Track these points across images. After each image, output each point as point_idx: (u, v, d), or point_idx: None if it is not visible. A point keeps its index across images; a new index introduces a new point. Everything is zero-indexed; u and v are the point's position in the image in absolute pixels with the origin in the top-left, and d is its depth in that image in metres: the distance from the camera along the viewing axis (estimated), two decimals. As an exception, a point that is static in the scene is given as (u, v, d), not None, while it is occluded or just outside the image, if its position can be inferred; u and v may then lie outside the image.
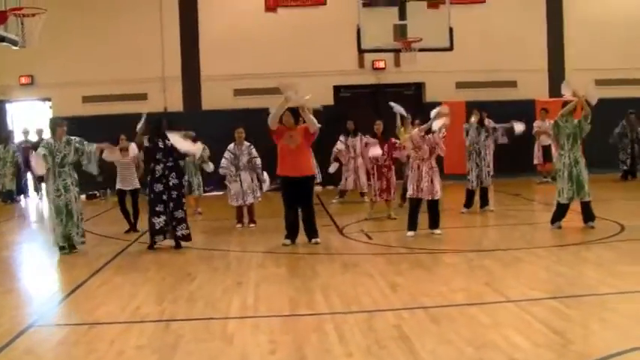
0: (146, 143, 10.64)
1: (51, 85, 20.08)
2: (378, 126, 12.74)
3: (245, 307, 6.91)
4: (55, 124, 10.62)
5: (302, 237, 10.44)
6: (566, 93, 11.14)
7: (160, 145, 10.34)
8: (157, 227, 10.32)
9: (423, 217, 10.73)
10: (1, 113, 20.80)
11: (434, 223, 10.70)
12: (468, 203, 13.01)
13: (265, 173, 12.54)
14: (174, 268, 9.16)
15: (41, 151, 10.23)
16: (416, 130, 10.89)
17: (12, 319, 6.80)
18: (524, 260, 8.78)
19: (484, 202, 13.14)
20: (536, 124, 18.41)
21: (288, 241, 10.31)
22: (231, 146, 12.51)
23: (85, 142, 10.46)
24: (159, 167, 10.31)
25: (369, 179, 13.17)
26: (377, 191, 12.56)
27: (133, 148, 11.91)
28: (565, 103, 11.05)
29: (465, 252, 9.45)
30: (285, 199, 10.40)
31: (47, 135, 16.24)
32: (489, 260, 8.77)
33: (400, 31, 17.01)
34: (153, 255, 10.11)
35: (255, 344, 5.66)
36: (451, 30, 16.80)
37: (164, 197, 10.27)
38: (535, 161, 18.88)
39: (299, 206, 10.35)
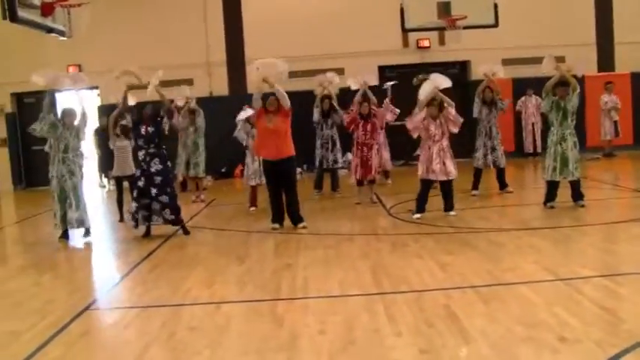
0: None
1: (98, 73, 20.32)
2: (364, 107, 12.60)
3: (294, 289, 6.97)
4: (64, 114, 10.81)
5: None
6: (549, 68, 10.95)
7: (142, 131, 10.37)
8: (130, 212, 10.42)
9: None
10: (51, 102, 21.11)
11: (448, 204, 10.66)
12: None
13: None
14: (223, 251, 9.26)
15: (47, 116, 10.60)
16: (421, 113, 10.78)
17: (67, 303, 6.97)
18: (572, 238, 8.70)
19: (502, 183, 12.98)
20: (605, 98, 18.08)
21: (276, 225, 10.33)
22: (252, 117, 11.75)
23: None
24: (140, 153, 10.38)
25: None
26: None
27: None
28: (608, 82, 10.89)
29: (513, 230, 9.37)
30: (267, 181, 10.45)
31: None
32: (537, 238, 8.70)
33: (444, 9, 16.81)
34: (200, 240, 10.25)
35: (304, 325, 5.71)
36: (496, 6, 16.60)
37: (139, 183, 10.29)
38: (607, 137, 18.59)
39: (282, 189, 10.31)
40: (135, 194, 10.36)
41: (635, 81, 19.72)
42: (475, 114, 12.89)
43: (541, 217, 10.47)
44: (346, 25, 19.97)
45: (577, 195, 10.67)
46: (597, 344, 4.79)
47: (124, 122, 11.90)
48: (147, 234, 10.52)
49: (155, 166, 10.32)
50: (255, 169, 12.15)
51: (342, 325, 5.58)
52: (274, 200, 10.36)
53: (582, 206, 10.52)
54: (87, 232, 10.80)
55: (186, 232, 10.52)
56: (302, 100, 14.80)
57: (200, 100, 17.25)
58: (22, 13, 10.46)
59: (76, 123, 10.65)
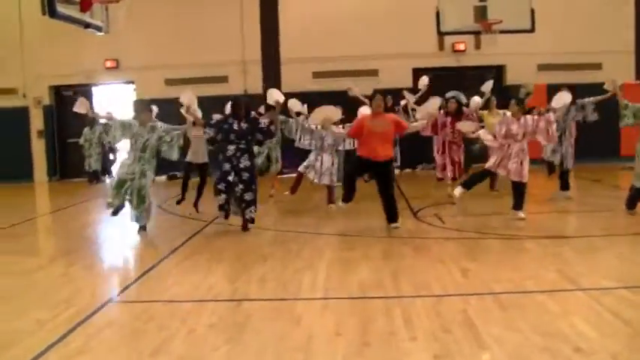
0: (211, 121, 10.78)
1: (135, 69, 20.63)
2: (452, 104, 12.91)
3: (315, 289, 7.03)
4: (140, 108, 10.85)
5: (376, 221, 10.50)
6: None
7: (235, 126, 10.47)
8: (219, 204, 10.51)
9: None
10: (88, 96, 21.43)
11: (519, 204, 10.61)
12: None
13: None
14: (248, 248, 9.36)
15: (114, 123, 10.64)
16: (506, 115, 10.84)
17: (92, 295, 7.11)
18: (599, 248, 8.63)
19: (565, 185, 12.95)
20: None
21: (343, 205, 10.57)
22: (319, 127, 12.47)
23: (172, 129, 10.69)
24: (231, 147, 10.41)
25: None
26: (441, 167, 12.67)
27: None
28: None
29: (539, 238, 9.33)
30: (355, 170, 10.61)
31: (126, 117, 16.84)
32: (563, 247, 8.66)
33: (480, 13, 16.76)
34: (228, 236, 10.33)
35: (321, 325, 5.76)
36: (532, 11, 16.50)
37: (229, 178, 10.38)
38: None
39: (380, 190, 10.38)
40: (222, 187, 10.44)
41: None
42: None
43: (569, 226, 10.42)
44: (381, 26, 20.00)
45: None
46: (613, 357, 4.78)
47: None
48: (226, 217, 10.66)
49: (244, 162, 10.43)
50: (315, 164, 12.54)
51: (358, 327, 5.62)
52: (349, 181, 10.55)
53: None
54: (142, 228, 10.86)
55: (246, 228, 10.58)
56: (335, 100, 14.87)
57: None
58: (60, 8, 10.67)
59: (152, 123, 10.71)
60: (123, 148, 20.78)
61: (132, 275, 8.27)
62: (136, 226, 10.76)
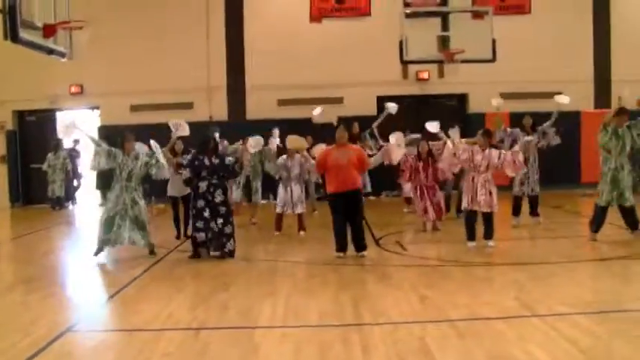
0: (180, 160, 10.82)
1: (99, 94, 20.58)
2: (423, 146, 12.87)
3: (274, 317, 7.04)
4: (123, 137, 10.88)
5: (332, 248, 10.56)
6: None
7: (206, 162, 10.48)
8: (199, 241, 10.49)
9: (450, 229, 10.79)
10: (51, 121, 21.31)
11: (489, 234, 10.72)
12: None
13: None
14: (210, 277, 9.32)
15: (98, 149, 10.70)
16: (461, 144, 10.95)
17: (50, 323, 7.04)
18: (557, 274, 8.76)
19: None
20: None
21: (341, 254, 10.36)
22: (283, 158, 12.84)
23: (154, 154, 10.79)
24: (202, 184, 10.43)
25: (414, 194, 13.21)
26: (423, 211, 12.70)
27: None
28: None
29: (498, 265, 9.47)
30: (334, 212, 10.46)
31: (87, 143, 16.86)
32: (521, 274, 8.77)
33: (443, 43, 17.03)
34: (190, 264, 10.29)
35: (279, 353, 5.79)
36: (494, 41, 16.77)
37: (205, 214, 10.41)
38: None
39: (349, 219, 10.39)
40: (200, 224, 10.44)
41: (633, 118, 19.80)
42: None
43: (528, 253, 10.56)
44: (346, 55, 20.19)
45: (632, 223, 10.75)
46: (565, 383, 4.86)
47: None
48: (193, 256, 10.59)
49: (218, 197, 10.46)
50: (286, 198, 12.70)
51: (315, 356, 5.66)
52: (339, 230, 10.42)
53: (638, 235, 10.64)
54: (151, 252, 10.95)
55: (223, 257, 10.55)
56: (300, 128, 14.97)
57: (199, 125, 17.44)
58: (23, 34, 10.61)
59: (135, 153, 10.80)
60: (86, 175, 20.85)
61: (92, 304, 8.20)
62: (140, 249, 10.85)
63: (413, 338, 6.06)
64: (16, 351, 6.01)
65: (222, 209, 10.49)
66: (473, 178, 10.69)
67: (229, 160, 10.67)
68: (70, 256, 11.67)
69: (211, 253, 10.56)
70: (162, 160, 10.81)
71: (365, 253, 10.29)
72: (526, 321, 6.59)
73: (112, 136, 19.43)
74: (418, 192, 12.79)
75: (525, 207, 13.13)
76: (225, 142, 15.27)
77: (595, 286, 8.14)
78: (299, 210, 12.80)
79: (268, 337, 6.34)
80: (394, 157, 11.39)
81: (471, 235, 10.73)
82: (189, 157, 10.75)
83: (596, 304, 7.33)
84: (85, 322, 7.27)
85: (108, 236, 10.60)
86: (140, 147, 11.06)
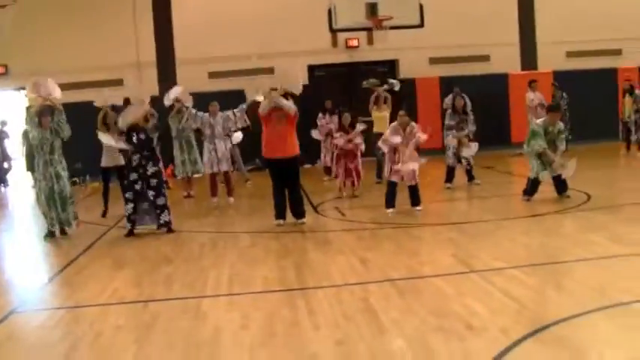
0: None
1: (25, 74, 20.03)
2: (345, 118, 13.10)
3: (219, 286, 7.16)
4: (40, 114, 10.70)
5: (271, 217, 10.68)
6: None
7: (134, 139, 10.47)
8: (126, 214, 10.50)
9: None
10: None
11: (416, 201, 10.89)
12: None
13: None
14: (151, 251, 9.36)
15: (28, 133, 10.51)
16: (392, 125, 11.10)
17: (-8, 306, 7.02)
18: (491, 232, 9.07)
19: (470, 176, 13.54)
20: (530, 95, 18.34)
21: (280, 221, 10.47)
22: (205, 116, 13.00)
23: (62, 121, 10.68)
24: (135, 157, 10.44)
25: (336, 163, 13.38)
26: (343, 177, 12.91)
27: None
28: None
29: (434, 225, 9.75)
30: (273, 179, 10.55)
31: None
32: (457, 233, 9.08)
33: (371, 10, 17.16)
34: (130, 241, 10.27)
35: (227, 320, 5.91)
36: (421, 6, 17.02)
37: (136, 187, 10.40)
38: None
39: (286, 187, 10.50)
40: (130, 196, 10.42)
41: (557, 79, 20.38)
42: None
43: (463, 212, 10.88)
44: (275, 25, 20.16)
45: (562, 188, 11.04)
46: (502, 331, 5.10)
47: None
48: (130, 234, 10.51)
49: (150, 168, 10.43)
50: (212, 158, 12.86)
51: (263, 320, 5.80)
52: (278, 198, 10.50)
53: (568, 197, 10.91)
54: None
55: (170, 231, 10.53)
56: (232, 100, 14.96)
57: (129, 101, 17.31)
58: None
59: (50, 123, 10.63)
60: (17, 157, 20.48)
61: (33, 285, 8.15)
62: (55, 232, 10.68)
63: (356, 299, 6.25)
64: (-40, 335, 5.99)
65: (154, 181, 10.47)
66: (395, 151, 10.86)
67: (152, 134, 10.63)
68: (6, 239, 11.53)
69: (137, 225, 10.57)
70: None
71: (304, 220, 10.44)
72: (464, 277, 6.86)
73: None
74: (336, 159, 13.06)
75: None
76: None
77: (527, 241, 8.45)
78: (224, 167, 12.93)
79: (215, 306, 6.46)
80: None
81: (390, 203, 10.90)
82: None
83: (529, 257, 7.67)
84: (28, 303, 7.25)
85: (55, 214, 10.52)
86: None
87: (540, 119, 11.41)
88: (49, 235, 10.58)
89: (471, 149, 13.10)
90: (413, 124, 10.83)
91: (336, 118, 14.89)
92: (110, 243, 10.28)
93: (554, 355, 4.67)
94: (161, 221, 10.53)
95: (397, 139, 10.66)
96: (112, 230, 11.14)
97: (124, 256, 9.22)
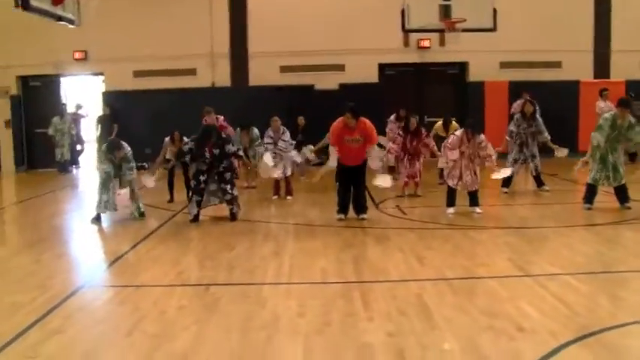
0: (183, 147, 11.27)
1: (103, 60, 20.75)
2: (412, 123, 13.18)
3: (279, 275, 7.42)
4: (111, 148, 11.12)
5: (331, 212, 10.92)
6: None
7: (207, 155, 10.74)
8: (196, 201, 10.84)
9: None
10: (56, 87, 21.56)
11: (474, 201, 11.04)
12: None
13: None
14: (214, 238, 9.69)
15: (107, 168, 11.00)
16: (456, 133, 11.18)
17: (64, 281, 7.43)
18: (549, 238, 9.12)
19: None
20: (600, 104, 18.19)
21: (341, 216, 10.77)
22: (270, 133, 13.29)
23: (130, 169, 11.17)
24: (204, 167, 10.85)
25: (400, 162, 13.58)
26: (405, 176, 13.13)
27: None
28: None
29: (494, 229, 9.82)
30: (340, 179, 10.85)
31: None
32: (516, 237, 9.13)
33: (445, 12, 17.20)
34: (195, 226, 10.62)
35: (286, 307, 6.16)
36: (495, 10, 16.98)
37: (201, 178, 10.76)
38: None
39: (352, 184, 10.77)
40: (196, 186, 10.87)
41: (630, 88, 20.09)
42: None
43: (523, 217, 10.90)
44: (348, 22, 20.33)
45: (624, 198, 11.04)
46: (551, 334, 5.22)
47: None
48: (195, 219, 10.86)
49: (223, 165, 10.88)
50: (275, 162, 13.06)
51: (319, 309, 6.03)
52: (342, 194, 10.83)
53: (629, 208, 10.91)
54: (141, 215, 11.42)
55: (234, 219, 10.91)
56: (302, 94, 15.27)
57: (203, 90, 17.82)
58: (33, 2, 10.86)
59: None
60: (89, 140, 21.18)
61: (102, 263, 8.58)
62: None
63: (410, 294, 6.43)
64: (36, 305, 6.36)
65: (227, 175, 10.87)
66: (458, 160, 10.97)
67: (229, 148, 10.92)
68: (77, 218, 12.01)
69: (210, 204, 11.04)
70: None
71: (366, 216, 10.64)
72: (518, 280, 6.96)
73: (115, 101, 19.88)
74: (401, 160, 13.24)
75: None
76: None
77: (585, 250, 8.46)
78: (288, 172, 13.27)
79: (274, 293, 6.72)
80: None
81: (450, 202, 11.07)
82: (189, 145, 10.99)
83: (585, 265, 7.69)
84: (97, 279, 7.66)
85: (106, 197, 10.96)
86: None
87: (609, 113, 11.32)
88: (96, 218, 11.06)
89: (563, 152, 13.07)
90: (481, 136, 10.91)
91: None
92: (176, 227, 10.65)
93: (599, 360, 4.78)
94: (233, 211, 10.88)
95: (454, 155, 10.81)
96: (178, 215, 11.50)
97: (189, 241, 9.56)
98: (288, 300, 6.43)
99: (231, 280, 7.26)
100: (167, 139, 12.68)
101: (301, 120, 16.61)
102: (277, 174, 12.84)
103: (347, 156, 10.62)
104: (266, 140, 13.30)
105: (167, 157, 12.64)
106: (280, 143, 13.17)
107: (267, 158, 12.64)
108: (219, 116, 15.05)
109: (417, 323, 5.58)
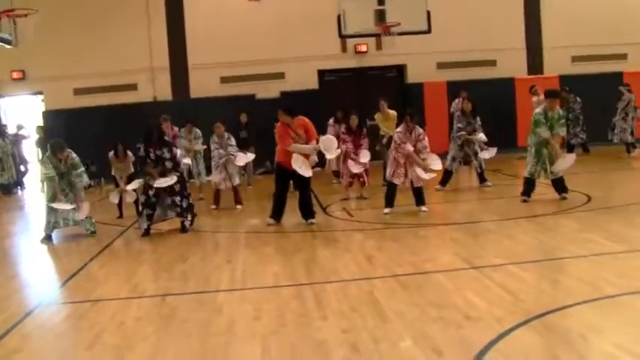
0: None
1: (42, 79, 20.61)
2: (353, 120, 13.34)
3: (233, 282, 7.59)
4: (54, 149, 11.00)
5: (287, 217, 11.07)
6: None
7: (151, 155, 10.82)
8: (147, 214, 10.90)
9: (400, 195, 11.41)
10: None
11: (421, 201, 11.29)
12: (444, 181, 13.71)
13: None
14: (167, 250, 9.78)
15: (51, 173, 10.86)
16: (398, 129, 11.43)
17: (19, 301, 7.45)
18: (492, 231, 9.46)
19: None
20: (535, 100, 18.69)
21: (272, 221, 10.93)
22: (215, 139, 13.33)
23: (80, 175, 11.07)
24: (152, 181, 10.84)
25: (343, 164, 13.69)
26: (349, 176, 13.29)
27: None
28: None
29: (438, 225, 10.16)
30: (279, 182, 10.97)
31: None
32: (460, 232, 9.47)
33: (379, 16, 17.56)
34: (146, 240, 10.67)
35: (241, 312, 6.33)
36: (428, 13, 17.42)
37: (150, 192, 10.80)
38: None
39: (298, 190, 10.96)
40: (145, 200, 10.93)
41: (563, 83, 20.72)
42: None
43: (466, 213, 11.26)
44: (286, 31, 20.60)
45: (561, 188, 11.43)
46: (497, 320, 5.49)
47: None
48: (146, 234, 10.87)
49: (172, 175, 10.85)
50: (221, 175, 13.27)
51: (274, 312, 6.22)
52: (279, 198, 10.96)
53: (565, 198, 11.29)
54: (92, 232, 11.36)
55: (184, 230, 10.93)
56: (244, 104, 15.44)
57: (145, 105, 17.83)
58: (-31, 23, 10.84)
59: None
60: (33, 160, 20.92)
61: (56, 281, 8.62)
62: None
63: (362, 292, 6.66)
64: (-7, 325, 6.41)
65: (177, 187, 10.88)
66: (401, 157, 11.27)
67: (176, 151, 11.04)
68: (26, 239, 11.97)
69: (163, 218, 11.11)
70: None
71: (314, 220, 10.85)
72: (464, 273, 7.24)
73: (56, 119, 19.68)
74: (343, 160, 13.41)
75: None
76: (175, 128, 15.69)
77: (527, 240, 8.82)
78: (236, 181, 13.37)
79: (230, 299, 6.89)
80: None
81: (389, 203, 11.29)
82: (139, 152, 11.05)
83: (527, 255, 8.02)
84: (53, 297, 7.69)
85: (54, 218, 10.96)
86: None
87: (539, 107, 11.72)
88: (47, 238, 11.03)
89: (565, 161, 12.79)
90: (419, 129, 11.22)
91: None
92: (127, 242, 10.73)
93: (543, 341, 5.06)
94: (186, 221, 10.94)
95: (410, 147, 11.06)
96: (129, 231, 11.55)
97: (141, 254, 9.66)
98: (243, 305, 6.61)
99: (186, 290, 7.40)
100: (111, 153, 12.71)
101: (244, 117, 16.66)
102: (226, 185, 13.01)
103: (289, 152, 10.65)
104: (213, 147, 13.36)
105: (112, 173, 12.66)
106: (229, 149, 13.25)
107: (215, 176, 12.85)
108: (174, 127, 15.27)
109: (369, 319, 5.80)
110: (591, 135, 19.42)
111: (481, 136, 13.79)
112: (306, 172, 10.49)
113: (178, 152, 11.72)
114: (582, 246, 8.09)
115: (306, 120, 10.80)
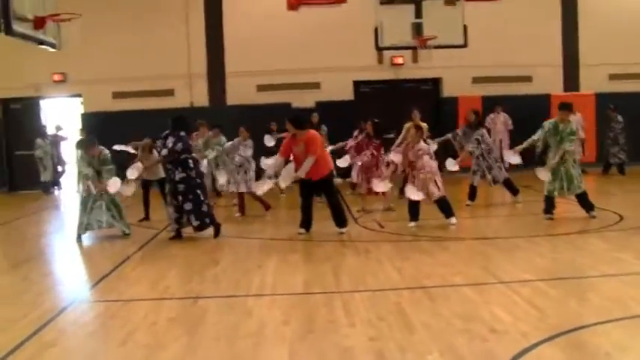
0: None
1: (82, 82, 20.95)
2: (368, 126, 13.45)
3: (263, 287, 7.72)
4: (85, 145, 11.51)
5: (319, 227, 11.19)
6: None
7: (169, 145, 10.87)
8: (172, 217, 11.04)
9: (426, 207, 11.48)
10: (36, 109, 21.66)
11: (448, 213, 11.29)
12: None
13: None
14: (199, 253, 9.97)
15: (85, 170, 11.22)
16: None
17: (54, 298, 7.73)
18: (521, 247, 9.47)
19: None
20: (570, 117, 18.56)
21: (302, 230, 11.07)
22: (237, 141, 13.64)
23: (110, 172, 11.32)
24: (167, 165, 11.03)
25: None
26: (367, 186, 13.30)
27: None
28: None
29: (468, 240, 10.19)
30: (301, 192, 11.13)
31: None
32: (489, 247, 9.52)
33: (416, 29, 17.65)
34: (179, 243, 10.85)
35: (271, 317, 6.46)
36: (465, 27, 17.44)
37: (164, 191, 11.02)
38: None
39: (326, 200, 11.21)
40: (167, 200, 11.11)
41: (599, 101, 20.65)
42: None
43: (496, 228, 11.30)
44: (323, 41, 20.70)
45: (587, 206, 11.44)
46: (523, 335, 5.56)
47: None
48: (177, 236, 11.05)
49: (178, 174, 10.82)
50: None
51: (303, 318, 6.34)
52: (304, 209, 11.12)
53: (594, 217, 11.31)
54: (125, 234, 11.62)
55: (217, 235, 11.05)
56: (279, 112, 15.60)
57: (181, 111, 18.07)
58: (16, 26, 11.07)
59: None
60: (71, 162, 21.29)
61: (91, 280, 8.83)
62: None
63: (389, 302, 6.76)
64: (30, 319, 6.61)
65: (181, 187, 10.79)
66: (410, 171, 11.43)
67: (178, 146, 10.86)
68: (62, 238, 12.23)
69: (180, 227, 11.09)
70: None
71: (344, 230, 10.95)
72: (491, 287, 7.31)
73: (94, 122, 20.02)
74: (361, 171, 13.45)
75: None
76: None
77: (555, 257, 8.87)
78: (242, 189, 13.43)
79: (259, 304, 7.01)
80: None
81: (413, 216, 11.31)
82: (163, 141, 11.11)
83: (555, 272, 8.08)
84: (87, 295, 7.90)
85: (87, 220, 11.19)
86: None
87: (553, 119, 11.70)
88: (78, 238, 11.29)
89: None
90: (421, 144, 11.32)
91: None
92: (161, 244, 10.92)
93: (567, 358, 5.12)
94: (192, 224, 10.94)
95: (397, 158, 11.28)
96: (163, 233, 11.73)
97: (174, 257, 9.82)
98: (272, 310, 6.74)
99: (217, 293, 7.55)
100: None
101: (274, 125, 16.76)
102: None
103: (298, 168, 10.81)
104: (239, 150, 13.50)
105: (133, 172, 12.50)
106: (247, 151, 13.42)
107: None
108: (209, 132, 15.43)
109: (396, 328, 5.89)
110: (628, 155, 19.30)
111: (466, 146, 13.69)
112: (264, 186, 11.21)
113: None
114: (612, 265, 8.13)
115: (310, 136, 10.86)
